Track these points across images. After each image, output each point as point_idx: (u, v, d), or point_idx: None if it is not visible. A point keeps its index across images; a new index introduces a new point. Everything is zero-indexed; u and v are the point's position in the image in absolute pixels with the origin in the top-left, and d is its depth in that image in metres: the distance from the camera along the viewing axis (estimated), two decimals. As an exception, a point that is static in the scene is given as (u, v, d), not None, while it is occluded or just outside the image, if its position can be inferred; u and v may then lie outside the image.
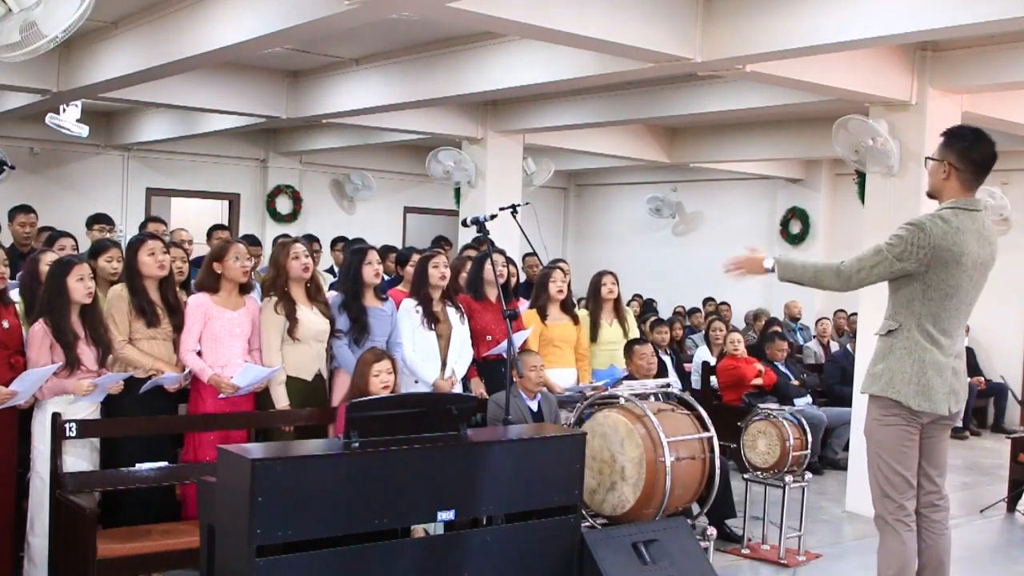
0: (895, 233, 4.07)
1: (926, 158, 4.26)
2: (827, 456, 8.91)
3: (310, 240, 7.61)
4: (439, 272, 5.92)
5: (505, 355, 5.18)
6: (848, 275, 4.10)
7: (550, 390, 6.12)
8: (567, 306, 6.64)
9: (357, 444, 3.80)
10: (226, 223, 12.93)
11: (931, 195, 4.25)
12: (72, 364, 4.70)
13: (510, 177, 10.29)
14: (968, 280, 4.08)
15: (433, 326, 5.89)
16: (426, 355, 5.84)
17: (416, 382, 5.80)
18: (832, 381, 9.67)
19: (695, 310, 12.92)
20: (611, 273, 6.88)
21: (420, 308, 5.88)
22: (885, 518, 4.16)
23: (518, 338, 6.04)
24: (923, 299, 4.05)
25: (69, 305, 4.75)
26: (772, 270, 4.13)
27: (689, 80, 8.42)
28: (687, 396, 5.78)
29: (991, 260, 4.17)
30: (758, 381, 8.47)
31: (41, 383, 4.64)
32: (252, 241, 8.20)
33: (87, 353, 4.77)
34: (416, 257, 6.31)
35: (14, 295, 5.24)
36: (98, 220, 7.56)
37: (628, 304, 8.66)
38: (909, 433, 4.13)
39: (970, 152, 4.12)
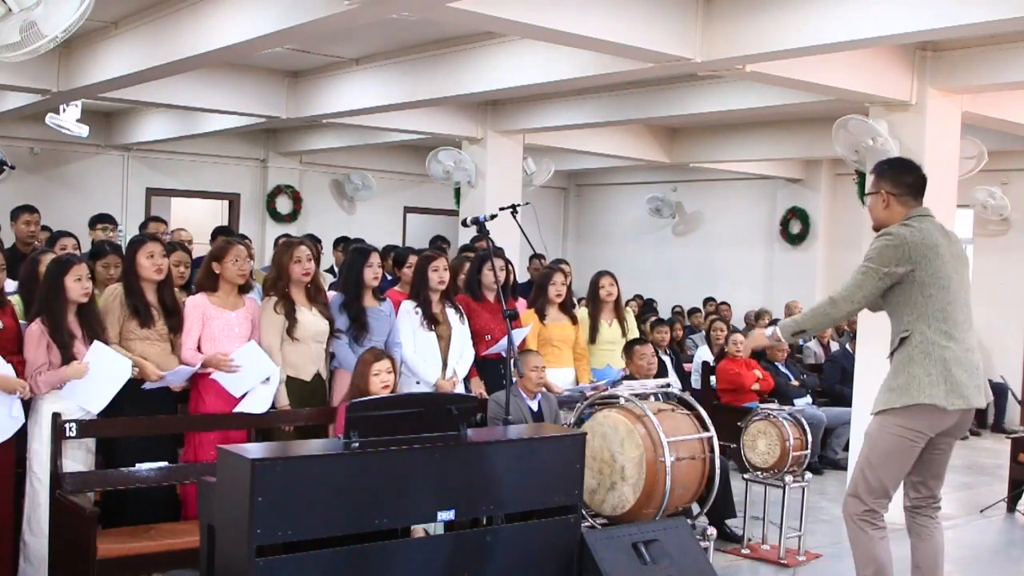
0: (870, 250, 4.22)
1: (864, 195, 4.50)
2: (827, 456, 8.91)
3: (314, 240, 7.56)
4: (438, 276, 5.91)
5: (504, 354, 5.18)
6: (843, 299, 4.23)
7: (549, 390, 6.13)
8: (566, 306, 6.65)
9: (357, 444, 3.80)
10: (226, 223, 12.93)
11: (877, 228, 4.37)
12: (68, 363, 4.70)
13: (510, 177, 10.29)
14: (955, 272, 4.18)
15: (433, 327, 5.90)
16: (427, 356, 5.84)
17: (418, 383, 5.80)
18: (832, 381, 9.67)
19: (695, 310, 12.93)
20: (609, 274, 6.89)
21: (420, 309, 5.88)
22: (851, 515, 4.24)
23: (517, 335, 6.05)
24: (923, 297, 4.09)
25: (66, 304, 4.75)
26: (776, 336, 4.43)
27: (689, 80, 8.42)
28: (687, 396, 5.78)
29: (964, 256, 4.35)
30: (756, 387, 8.46)
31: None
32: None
33: (83, 353, 4.76)
34: (414, 258, 6.31)
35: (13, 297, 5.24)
36: (101, 220, 7.57)
37: (627, 304, 8.66)
38: (911, 446, 4.13)
39: (901, 176, 4.31)
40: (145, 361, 4.98)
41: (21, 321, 4.94)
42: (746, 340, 4.52)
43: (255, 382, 5.19)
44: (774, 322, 11.05)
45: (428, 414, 4.10)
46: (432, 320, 5.90)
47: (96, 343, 4.77)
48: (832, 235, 13.20)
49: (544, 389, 5.93)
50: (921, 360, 4.07)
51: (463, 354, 6.00)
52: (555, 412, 5.83)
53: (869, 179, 4.46)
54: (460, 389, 5.90)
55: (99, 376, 4.74)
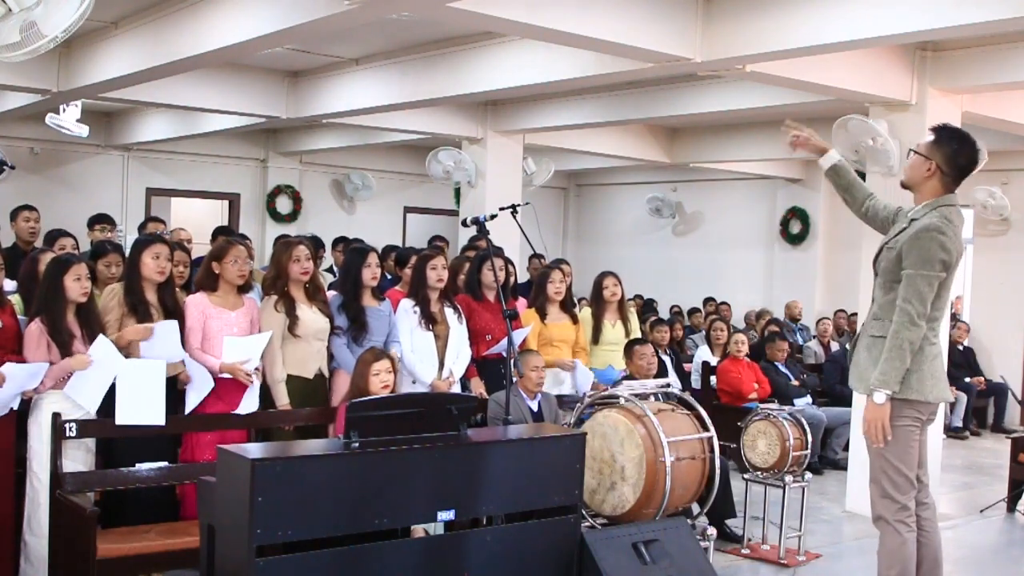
0: (918, 250, 4.01)
1: (910, 150, 4.28)
2: (827, 456, 8.91)
3: (316, 245, 7.55)
4: (436, 274, 5.92)
5: (505, 354, 5.18)
6: (920, 315, 4.02)
7: (561, 368, 6.23)
8: (566, 305, 6.65)
9: (357, 444, 3.80)
10: (226, 223, 12.93)
11: (906, 186, 4.26)
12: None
13: (510, 177, 10.29)
14: (956, 272, 4.19)
15: (431, 327, 5.90)
16: (424, 355, 5.84)
17: (414, 382, 5.80)
18: (832, 381, 9.67)
19: (695, 310, 12.93)
20: (613, 274, 6.89)
21: (418, 309, 5.89)
22: (886, 518, 4.15)
23: (519, 335, 6.06)
24: (935, 299, 4.08)
25: (65, 304, 4.75)
26: (886, 397, 4.01)
27: (689, 80, 8.42)
28: (687, 396, 5.78)
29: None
30: (754, 396, 8.44)
31: (32, 381, 4.64)
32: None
33: (82, 352, 4.76)
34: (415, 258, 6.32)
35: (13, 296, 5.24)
36: (99, 220, 7.58)
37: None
38: (916, 433, 4.15)
39: (957, 157, 4.14)
40: (130, 328, 4.96)
41: (21, 318, 4.95)
42: (870, 417, 4.14)
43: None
44: (776, 322, 11.11)
45: (428, 414, 4.10)
46: (430, 319, 5.90)
47: (100, 337, 4.77)
48: (832, 235, 13.20)
49: (557, 370, 6.01)
50: (915, 355, 4.08)
51: (460, 354, 6.00)
52: (555, 412, 5.83)
53: (920, 145, 4.18)
54: (456, 389, 5.90)
55: (98, 371, 4.74)
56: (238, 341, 5.19)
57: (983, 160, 8.09)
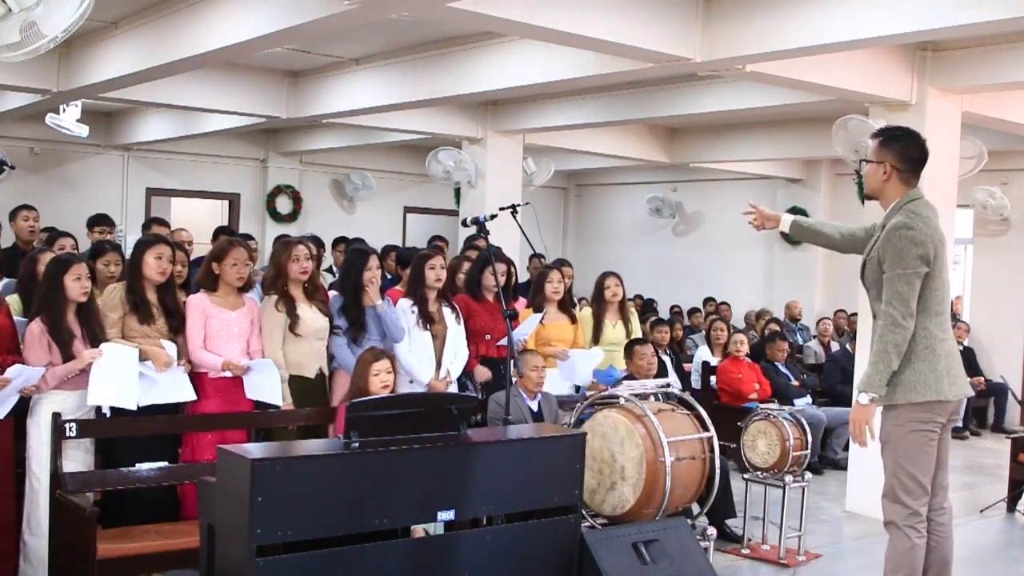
0: (891, 250, 4.04)
1: (861, 160, 4.31)
2: (827, 456, 8.91)
3: (317, 243, 7.54)
4: (435, 274, 5.92)
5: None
6: (904, 315, 4.02)
7: (556, 357, 6.26)
8: (564, 306, 6.65)
9: (357, 444, 3.80)
10: (226, 223, 12.93)
11: (870, 197, 4.28)
12: (67, 362, 4.71)
13: (510, 177, 10.29)
14: (945, 261, 4.18)
15: (428, 326, 5.90)
16: (421, 355, 5.84)
17: (411, 382, 5.81)
18: (832, 381, 9.67)
19: (695, 310, 12.93)
20: (615, 274, 6.90)
21: (416, 308, 5.89)
22: (896, 522, 4.13)
23: (528, 326, 6.06)
24: (929, 292, 4.08)
25: (65, 303, 4.76)
26: (870, 399, 4.05)
27: (689, 80, 8.42)
28: (687, 396, 5.78)
29: (945, 238, 4.31)
30: (754, 396, 8.43)
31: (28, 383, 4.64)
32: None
33: (83, 352, 4.76)
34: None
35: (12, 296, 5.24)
36: (99, 222, 7.57)
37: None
38: (931, 438, 4.12)
39: (907, 150, 4.17)
40: (154, 348, 4.97)
41: (18, 319, 4.95)
42: (855, 418, 4.15)
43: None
44: (776, 321, 11.12)
45: (428, 414, 4.10)
46: (428, 319, 5.90)
47: (105, 344, 4.79)
48: (832, 235, 13.18)
49: (557, 360, 6.04)
50: (926, 356, 4.06)
51: (457, 354, 6.00)
52: (555, 412, 5.83)
53: (868, 154, 4.24)
54: (453, 389, 5.91)
55: (119, 372, 4.76)
56: (256, 362, 5.24)
57: (984, 160, 8.12)
